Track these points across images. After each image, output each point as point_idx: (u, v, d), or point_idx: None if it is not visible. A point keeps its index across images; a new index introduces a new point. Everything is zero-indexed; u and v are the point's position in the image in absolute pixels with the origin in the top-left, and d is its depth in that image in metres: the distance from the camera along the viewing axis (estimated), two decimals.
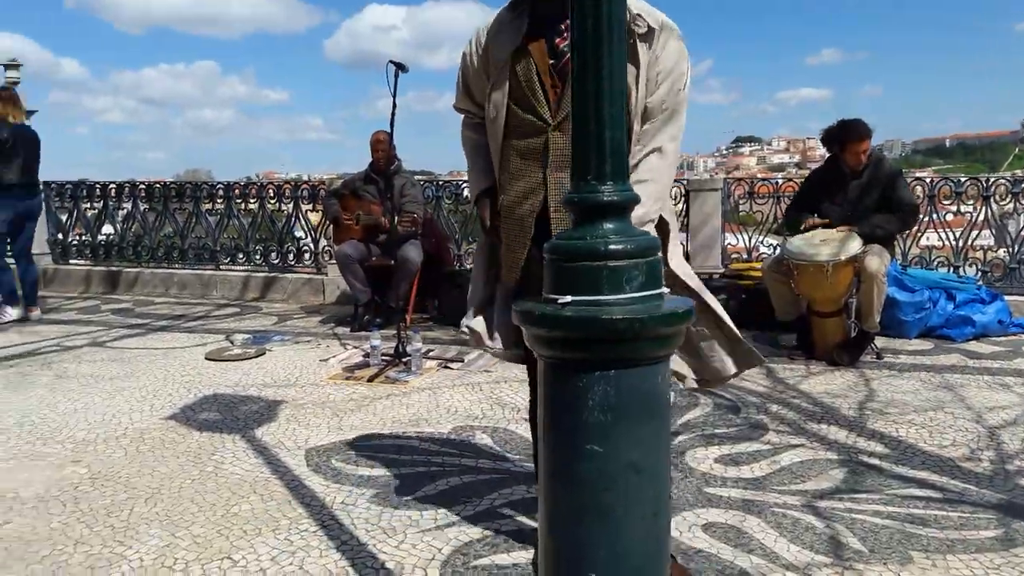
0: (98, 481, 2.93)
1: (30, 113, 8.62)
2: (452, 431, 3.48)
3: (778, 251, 5.51)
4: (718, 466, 3.02)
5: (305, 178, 8.80)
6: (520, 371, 4.19)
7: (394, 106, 4.89)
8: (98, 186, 8.49)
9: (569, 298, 1.25)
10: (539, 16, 2.01)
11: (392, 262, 5.90)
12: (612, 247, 1.24)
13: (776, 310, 5.10)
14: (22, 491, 2.87)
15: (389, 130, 5.02)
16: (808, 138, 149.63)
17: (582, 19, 1.26)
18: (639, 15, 1.93)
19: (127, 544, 2.43)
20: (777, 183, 7.18)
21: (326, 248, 7.67)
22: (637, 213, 1.62)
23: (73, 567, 2.29)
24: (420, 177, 8.65)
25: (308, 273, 7.67)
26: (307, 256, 7.83)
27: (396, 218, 5.66)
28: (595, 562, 1.26)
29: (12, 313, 6.22)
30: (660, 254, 1.33)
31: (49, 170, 8.36)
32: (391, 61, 4.81)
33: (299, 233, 8.02)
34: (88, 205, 8.51)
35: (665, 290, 1.31)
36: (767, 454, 3.15)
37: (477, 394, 4.06)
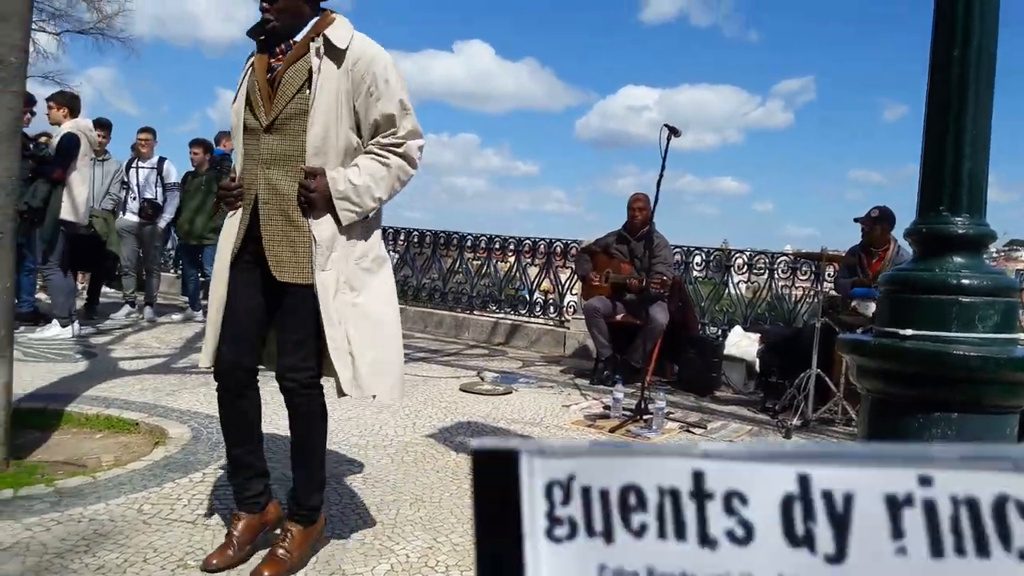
0: (368, 481, 3.21)
1: None
2: None
3: None
4: None
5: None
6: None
7: (663, 168, 4.97)
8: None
9: (910, 331, 1.18)
10: (264, 43, 2.31)
11: (637, 321, 5.92)
12: (965, 282, 1.16)
13: None
14: None
15: (656, 191, 5.10)
16: None
17: (948, 53, 1.23)
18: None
19: (395, 540, 2.62)
20: None
21: (570, 303, 7.92)
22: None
23: (350, 551, 2.51)
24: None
25: (550, 325, 7.92)
26: (551, 309, 8.12)
27: (647, 278, 5.71)
28: None
29: None
30: (1018, 296, 1.23)
31: None
32: (666, 125, 4.91)
33: (546, 285, 8.37)
34: None
35: (1022, 335, 1.19)
36: None
37: None
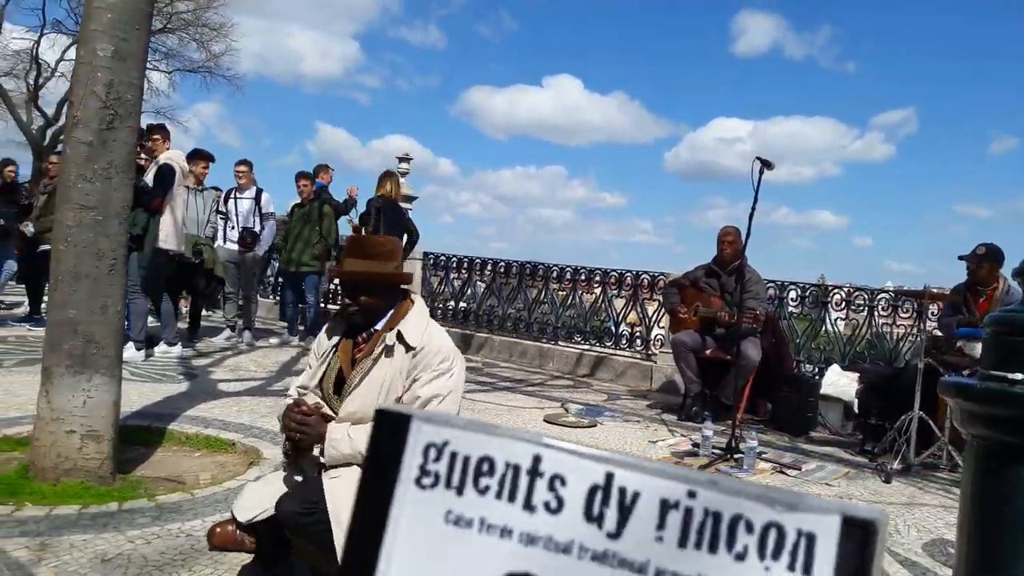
0: None
1: (412, 199, 10.08)
2: None
3: None
4: None
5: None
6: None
7: (755, 201, 4.86)
8: (466, 260, 9.64)
9: (1020, 375, 1.11)
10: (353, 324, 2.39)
11: (728, 357, 5.77)
12: None
13: None
14: None
15: (748, 224, 4.97)
16: None
17: None
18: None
19: None
20: None
21: (658, 336, 7.79)
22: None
23: None
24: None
25: (636, 358, 7.82)
26: (638, 342, 8.01)
27: (738, 313, 5.56)
28: None
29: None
30: None
31: (423, 247, 9.62)
32: (758, 158, 4.81)
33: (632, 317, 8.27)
34: (456, 275, 9.69)
35: None
36: None
37: None
